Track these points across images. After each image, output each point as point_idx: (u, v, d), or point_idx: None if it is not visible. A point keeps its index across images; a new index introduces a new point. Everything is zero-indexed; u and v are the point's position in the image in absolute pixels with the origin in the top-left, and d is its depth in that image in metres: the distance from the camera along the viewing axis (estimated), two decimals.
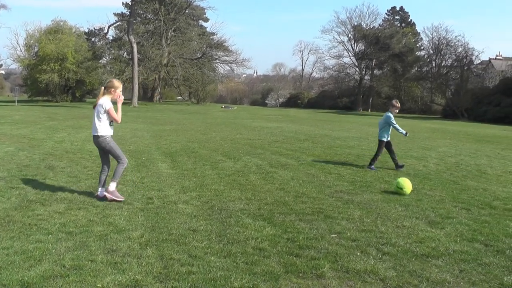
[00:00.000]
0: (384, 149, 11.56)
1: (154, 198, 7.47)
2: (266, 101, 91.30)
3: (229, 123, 26.99)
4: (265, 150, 14.10)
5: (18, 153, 11.90)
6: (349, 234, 5.95)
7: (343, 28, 73.96)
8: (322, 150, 14.66)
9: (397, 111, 11.44)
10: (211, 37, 68.12)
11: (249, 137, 18.28)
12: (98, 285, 4.18)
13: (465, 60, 60.23)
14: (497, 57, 75.56)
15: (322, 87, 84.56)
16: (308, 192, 8.36)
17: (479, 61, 66.30)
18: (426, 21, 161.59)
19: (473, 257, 5.28)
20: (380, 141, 11.54)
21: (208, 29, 71.23)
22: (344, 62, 75.53)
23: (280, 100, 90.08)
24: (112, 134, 7.36)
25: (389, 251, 5.36)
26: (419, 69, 69.08)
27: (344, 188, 8.93)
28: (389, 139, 11.50)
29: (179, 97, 76.38)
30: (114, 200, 7.14)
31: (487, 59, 72.99)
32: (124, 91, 74.21)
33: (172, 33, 62.51)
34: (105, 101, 7.16)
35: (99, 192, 7.42)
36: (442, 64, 63.57)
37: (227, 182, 9.08)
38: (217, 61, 67.41)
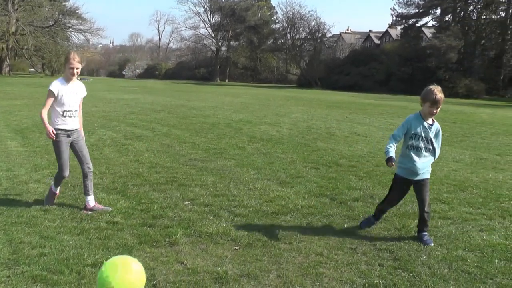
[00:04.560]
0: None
1: (2, 179, 6.85)
2: (124, 73, 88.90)
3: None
4: (121, 122, 13.67)
5: None
6: (202, 200, 5.98)
7: None
8: (177, 120, 14.58)
9: (435, 111, 4.83)
10: (63, 4, 63.77)
11: (104, 109, 17.57)
12: None
13: (317, 34, 63.90)
14: (346, 31, 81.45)
15: (179, 58, 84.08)
16: (163, 162, 8.25)
17: (331, 35, 70.81)
18: None
19: (319, 210, 5.63)
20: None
21: None
22: (201, 33, 75.76)
23: (138, 71, 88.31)
24: (63, 128, 5.40)
25: (241, 212, 5.49)
26: (274, 41, 71.62)
27: (198, 156, 8.94)
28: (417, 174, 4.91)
29: (32, 69, 70.56)
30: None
31: (338, 33, 77.90)
32: None
33: None
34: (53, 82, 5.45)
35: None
36: (297, 36, 66.75)
37: None
38: (71, 29, 63.56)
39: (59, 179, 5.62)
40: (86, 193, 5.54)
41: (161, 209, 5.57)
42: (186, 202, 5.87)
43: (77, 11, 63.03)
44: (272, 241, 4.62)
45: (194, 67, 74.42)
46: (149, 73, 79.85)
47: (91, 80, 53.93)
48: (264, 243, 4.57)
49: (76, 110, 5.48)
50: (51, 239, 4.60)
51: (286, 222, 5.18)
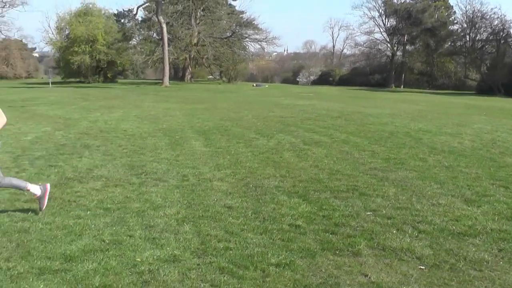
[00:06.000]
0: None
1: (189, 176, 7.52)
2: (297, 79, 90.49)
3: (261, 101, 26.83)
4: (298, 128, 14.02)
5: (55, 133, 12.18)
6: (384, 211, 5.90)
7: (374, 3, 72.42)
8: (355, 127, 14.48)
9: None
10: (240, 16, 67.70)
11: (281, 114, 18.16)
12: (138, 259, 4.28)
13: (501, 33, 58.38)
14: None
15: (353, 64, 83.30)
16: (342, 169, 8.29)
17: None
18: None
19: None
20: None
21: (237, 8, 70.66)
22: (375, 38, 74.23)
23: (312, 77, 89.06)
24: None
25: (425, 229, 5.30)
26: (452, 44, 67.36)
27: (378, 165, 8.81)
28: None
29: (210, 76, 76.13)
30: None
31: None
32: (155, 71, 73.74)
33: (201, 12, 62.11)
34: None
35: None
36: (477, 38, 61.82)
37: (261, 159, 9.07)
38: (247, 39, 66.87)
39: None
40: None
41: (342, 217, 5.60)
42: (368, 213, 5.84)
43: (253, 22, 66.15)
44: (461, 265, 4.36)
45: (368, 73, 73.30)
46: (323, 79, 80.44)
47: (266, 86, 56.34)
48: (451, 266, 4.35)
49: None
50: (235, 235, 4.90)
51: (474, 246, 4.84)
